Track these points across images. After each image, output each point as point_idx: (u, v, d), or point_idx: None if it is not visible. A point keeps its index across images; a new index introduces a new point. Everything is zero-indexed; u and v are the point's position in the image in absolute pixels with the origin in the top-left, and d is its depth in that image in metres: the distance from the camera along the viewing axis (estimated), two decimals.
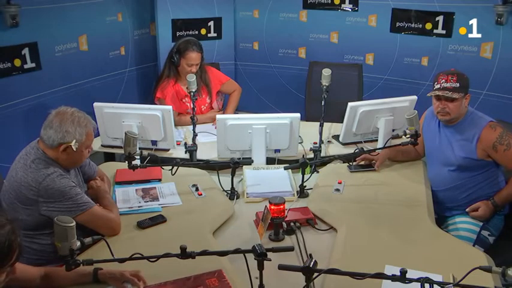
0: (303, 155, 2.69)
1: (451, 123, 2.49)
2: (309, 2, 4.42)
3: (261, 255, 1.54)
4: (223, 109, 3.63)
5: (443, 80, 2.39)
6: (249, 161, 2.60)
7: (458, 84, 2.36)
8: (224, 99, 3.71)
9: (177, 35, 4.32)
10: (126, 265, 1.69)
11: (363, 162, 2.73)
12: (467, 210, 2.47)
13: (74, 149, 2.00)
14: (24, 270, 1.70)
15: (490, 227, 2.44)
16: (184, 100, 3.41)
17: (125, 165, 2.29)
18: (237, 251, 1.61)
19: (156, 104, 3.52)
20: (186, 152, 2.83)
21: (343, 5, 4.31)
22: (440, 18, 3.91)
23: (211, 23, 4.48)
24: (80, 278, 1.75)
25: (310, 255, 1.60)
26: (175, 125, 3.05)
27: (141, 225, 2.14)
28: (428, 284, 1.43)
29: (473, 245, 2.34)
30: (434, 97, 2.44)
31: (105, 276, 1.75)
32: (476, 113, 2.49)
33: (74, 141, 1.99)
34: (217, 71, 3.63)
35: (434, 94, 2.42)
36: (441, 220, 2.53)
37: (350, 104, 2.81)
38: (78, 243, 1.58)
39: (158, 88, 3.44)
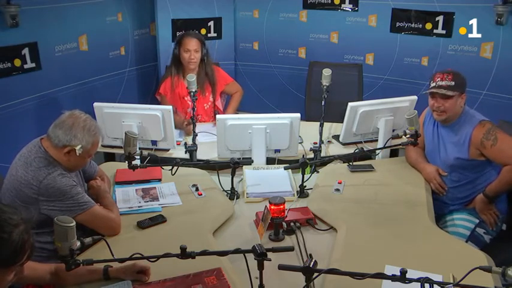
0: (303, 155, 2.68)
1: (446, 123, 2.50)
2: (309, 2, 4.42)
3: (261, 255, 1.54)
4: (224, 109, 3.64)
5: (439, 79, 2.42)
6: (249, 161, 2.59)
7: (453, 83, 2.39)
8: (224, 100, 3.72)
9: (177, 35, 4.31)
10: None
11: (362, 162, 2.73)
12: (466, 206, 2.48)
13: (77, 154, 2.01)
14: (34, 267, 1.69)
15: (486, 225, 2.45)
16: (186, 98, 3.40)
17: (124, 165, 2.29)
18: (237, 251, 1.61)
19: (156, 98, 3.53)
20: (186, 152, 2.84)
21: (343, 5, 4.31)
22: (440, 18, 3.91)
23: (211, 23, 4.47)
24: (90, 275, 1.75)
25: (310, 255, 1.61)
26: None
27: (141, 225, 2.14)
28: (428, 284, 1.43)
29: (466, 241, 2.35)
30: (430, 96, 2.47)
31: (117, 271, 1.75)
32: (470, 112, 2.49)
33: (80, 146, 2.00)
34: (224, 72, 3.64)
35: (429, 91, 2.44)
36: (439, 218, 2.52)
37: (350, 104, 2.81)
38: (78, 243, 1.58)
39: (161, 84, 3.46)
